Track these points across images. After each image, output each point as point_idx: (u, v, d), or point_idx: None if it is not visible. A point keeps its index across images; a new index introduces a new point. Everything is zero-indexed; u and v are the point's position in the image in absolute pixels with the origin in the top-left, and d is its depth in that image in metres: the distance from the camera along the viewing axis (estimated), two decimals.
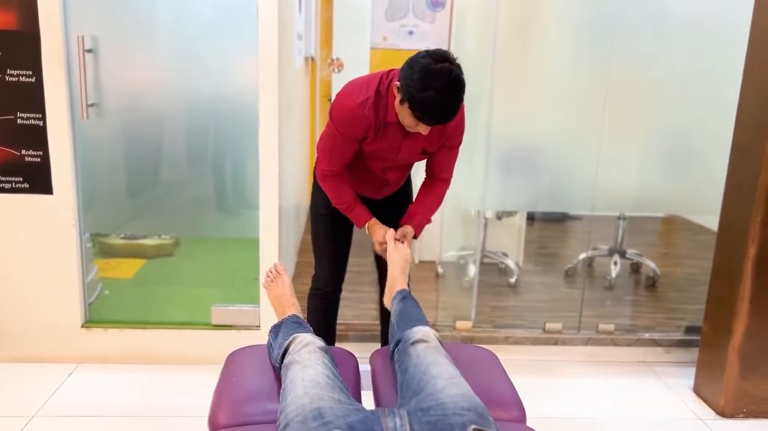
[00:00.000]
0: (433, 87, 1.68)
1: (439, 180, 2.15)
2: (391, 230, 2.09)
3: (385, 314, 2.33)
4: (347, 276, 2.34)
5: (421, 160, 2.11)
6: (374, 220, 2.11)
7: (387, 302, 1.99)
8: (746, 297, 2.38)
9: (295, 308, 1.92)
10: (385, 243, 2.07)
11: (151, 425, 2.28)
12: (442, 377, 1.42)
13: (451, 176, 2.16)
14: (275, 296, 1.98)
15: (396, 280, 1.98)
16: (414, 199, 2.21)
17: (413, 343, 1.61)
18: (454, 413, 1.29)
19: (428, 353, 1.55)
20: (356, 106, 1.86)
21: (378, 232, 2.10)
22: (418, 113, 1.74)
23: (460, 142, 2.07)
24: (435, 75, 1.69)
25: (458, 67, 1.73)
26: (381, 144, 1.96)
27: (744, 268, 2.37)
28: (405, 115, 1.80)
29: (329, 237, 2.25)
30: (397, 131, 1.93)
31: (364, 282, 3.58)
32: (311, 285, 2.32)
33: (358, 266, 3.86)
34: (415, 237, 2.15)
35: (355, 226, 2.24)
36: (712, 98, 2.84)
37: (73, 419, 2.30)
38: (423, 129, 1.82)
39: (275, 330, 1.80)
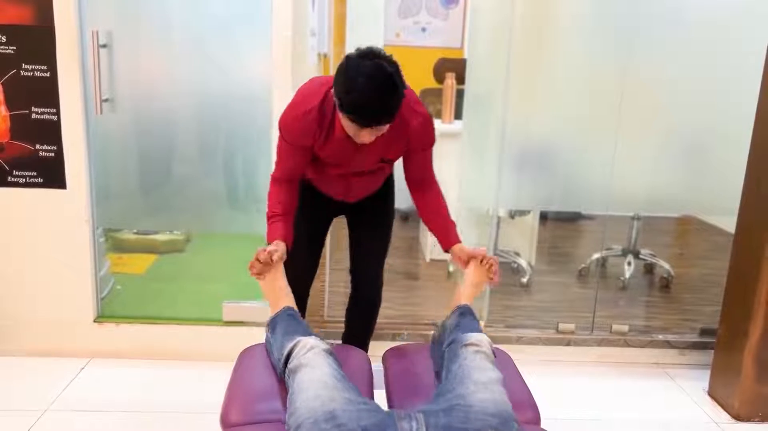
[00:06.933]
0: (358, 85, 1.61)
1: (427, 186, 2.05)
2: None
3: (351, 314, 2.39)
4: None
5: (382, 167, 2.01)
6: (280, 243, 1.96)
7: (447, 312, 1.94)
8: (763, 299, 2.35)
9: (288, 299, 1.89)
10: (261, 262, 1.90)
11: (162, 420, 2.28)
12: (480, 381, 1.44)
13: (434, 176, 2.05)
14: (268, 285, 1.93)
15: (462, 296, 1.96)
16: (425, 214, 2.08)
17: (465, 345, 1.61)
18: (476, 418, 1.29)
19: (476, 357, 1.55)
20: (299, 116, 1.82)
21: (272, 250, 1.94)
22: (350, 115, 1.66)
23: (432, 142, 1.97)
24: (360, 72, 1.62)
25: (389, 61, 1.65)
26: (332, 151, 1.89)
27: (762, 270, 2.34)
28: (346, 123, 1.71)
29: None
30: (347, 143, 1.84)
31: None
32: None
33: None
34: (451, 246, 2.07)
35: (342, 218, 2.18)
36: (729, 97, 2.79)
37: (85, 413, 2.30)
38: (366, 137, 1.72)
39: (272, 324, 1.80)
